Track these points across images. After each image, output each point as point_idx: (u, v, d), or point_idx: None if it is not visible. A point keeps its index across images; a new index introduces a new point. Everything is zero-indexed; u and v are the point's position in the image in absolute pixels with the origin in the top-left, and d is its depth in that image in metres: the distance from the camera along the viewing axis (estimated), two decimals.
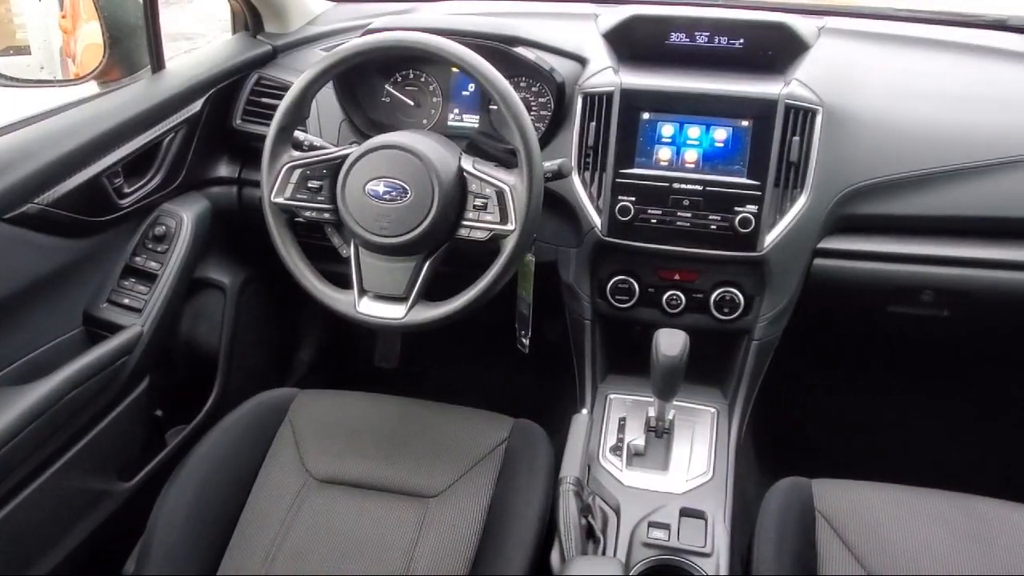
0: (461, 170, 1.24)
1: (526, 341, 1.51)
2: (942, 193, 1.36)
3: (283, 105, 1.26)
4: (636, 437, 1.37)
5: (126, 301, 1.45)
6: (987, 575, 1.14)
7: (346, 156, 1.25)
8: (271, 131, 1.27)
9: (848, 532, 1.20)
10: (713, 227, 1.36)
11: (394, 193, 1.21)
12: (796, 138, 1.33)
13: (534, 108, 1.50)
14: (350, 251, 1.28)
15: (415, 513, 1.26)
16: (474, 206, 1.23)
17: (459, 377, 2.08)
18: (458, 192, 1.23)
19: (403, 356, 2.18)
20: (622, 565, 1.01)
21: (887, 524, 1.20)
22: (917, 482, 1.28)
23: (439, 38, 1.21)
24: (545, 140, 1.46)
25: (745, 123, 1.35)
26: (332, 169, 1.26)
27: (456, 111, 1.55)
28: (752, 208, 1.34)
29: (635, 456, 1.35)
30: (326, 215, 1.28)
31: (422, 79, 1.56)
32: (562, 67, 1.46)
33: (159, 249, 1.50)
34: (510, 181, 1.22)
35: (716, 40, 1.49)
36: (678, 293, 1.44)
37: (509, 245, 1.21)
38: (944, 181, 1.35)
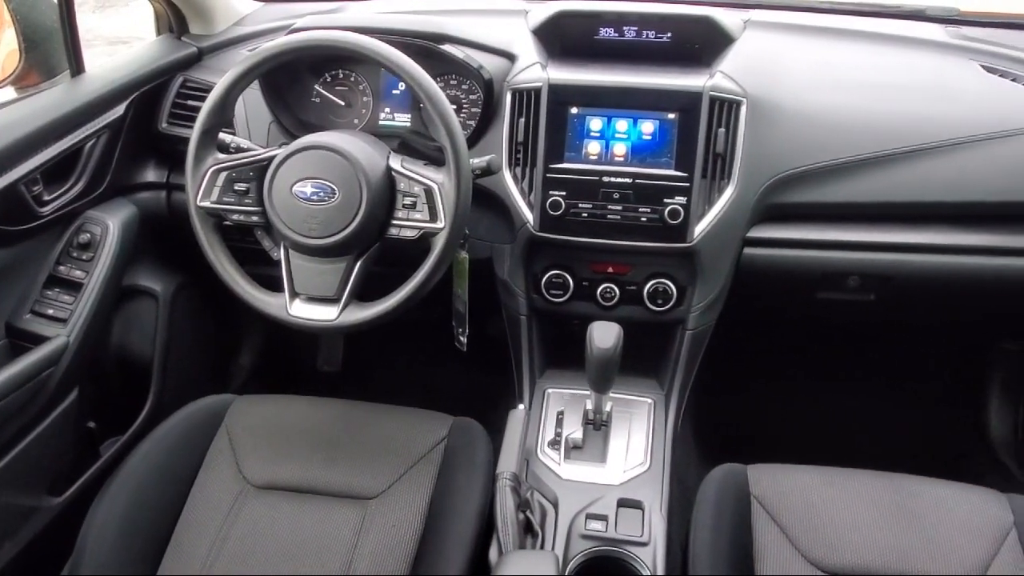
0: (389, 169, 1.24)
1: (464, 339, 1.51)
2: (864, 180, 1.39)
3: (205, 107, 1.24)
4: (574, 430, 1.37)
5: (50, 311, 1.41)
6: (914, 549, 1.17)
7: (272, 157, 1.24)
8: (194, 134, 1.25)
9: (782, 515, 1.22)
10: (643, 219, 1.37)
11: (322, 194, 1.20)
12: (722, 129, 1.35)
13: (465, 105, 1.50)
14: (280, 254, 1.27)
15: (355, 515, 1.25)
16: (403, 205, 1.23)
17: (403, 377, 2.08)
18: (387, 191, 1.23)
19: (346, 358, 2.17)
20: (556, 558, 1.01)
21: (819, 505, 1.23)
22: (850, 463, 1.31)
23: (361, 37, 1.20)
24: (476, 137, 1.47)
25: (672, 116, 1.36)
26: (258, 171, 1.25)
27: (387, 110, 1.54)
28: (681, 199, 1.35)
29: (573, 449, 1.36)
30: (254, 218, 1.26)
31: (352, 78, 1.55)
32: (491, 64, 1.46)
33: (84, 257, 1.47)
34: (438, 179, 1.22)
35: (644, 34, 1.50)
36: (612, 286, 1.45)
37: (439, 243, 1.21)
38: (866, 169, 1.39)
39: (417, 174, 1.23)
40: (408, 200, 1.23)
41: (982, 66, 1.49)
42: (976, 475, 1.75)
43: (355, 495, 1.28)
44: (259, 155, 1.25)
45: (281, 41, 1.21)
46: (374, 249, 1.26)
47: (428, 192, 1.22)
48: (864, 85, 1.46)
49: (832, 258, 1.45)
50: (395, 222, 1.24)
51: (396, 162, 1.25)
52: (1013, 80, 1.46)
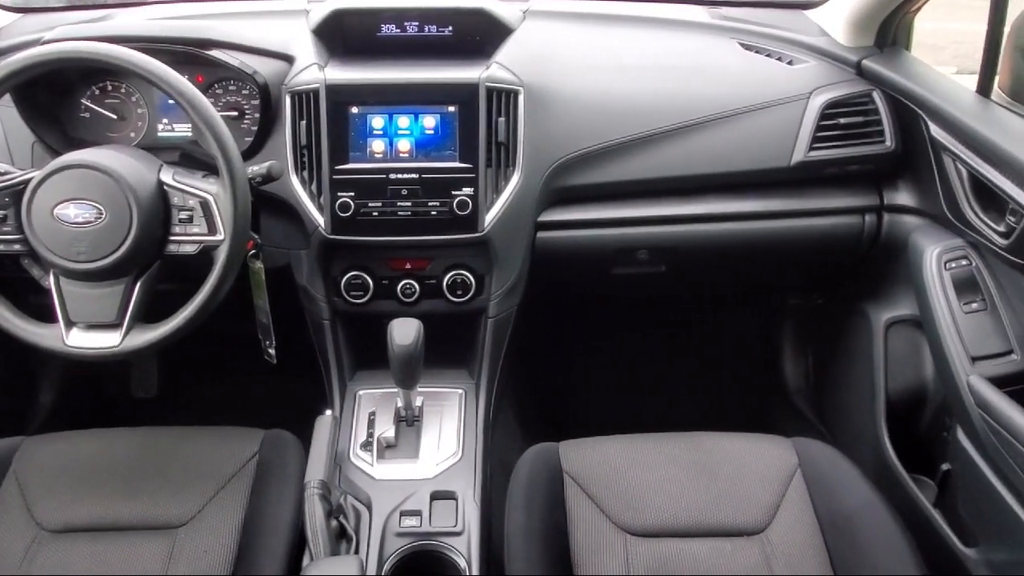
0: (161, 183, 1.19)
1: (272, 351, 1.48)
2: (640, 158, 1.46)
3: None
4: (386, 429, 1.37)
5: None
6: (712, 501, 1.25)
7: (28, 180, 1.16)
8: None
9: (592, 485, 1.27)
10: (433, 213, 1.38)
11: (87, 215, 1.15)
12: (502, 119, 1.38)
13: (247, 111, 1.46)
14: (50, 281, 1.19)
15: (162, 546, 1.20)
16: (179, 219, 1.20)
17: (224, 394, 2.01)
18: (160, 207, 1.19)
19: (162, 381, 2.06)
20: (360, 561, 1.01)
21: (625, 472, 1.29)
22: (666, 427, 1.38)
23: (107, 46, 1.14)
24: (260, 143, 1.43)
25: (452, 108, 1.38)
26: (14, 196, 1.17)
27: (165, 121, 1.48)
28: (468, 190, 1.37)
29: (387, 448, 1.35)
30: (16, 246, 1.19)
31: (122, 90, 1.47)
32: (266, 67, 1.43)
33: None
34: (213, 190, 1.18)
35: (426, 29, 1.51)
36: (411, 282, 1.45)
37: (221, 255, 1.18)
38: (640, 147, 1.45)
39: (190, 187, 1.19)
40: (184, 214, 1.19)
41: (740, 44, 1.60)
42: (776, 424, 1.90)
43: (162, 525, 1.23)
44: (12, 179, 1.17)
45: (18, 57, 1.13)
46: (155, 268, 1.21)
47: (204, 204, 1.18)
48: (636, 68, 1.53)
49: (621, 234, 1.51)
50: (173, 238, 1.20)
51: (168, 175, 1.20)
52: (767, 56, 1.57)
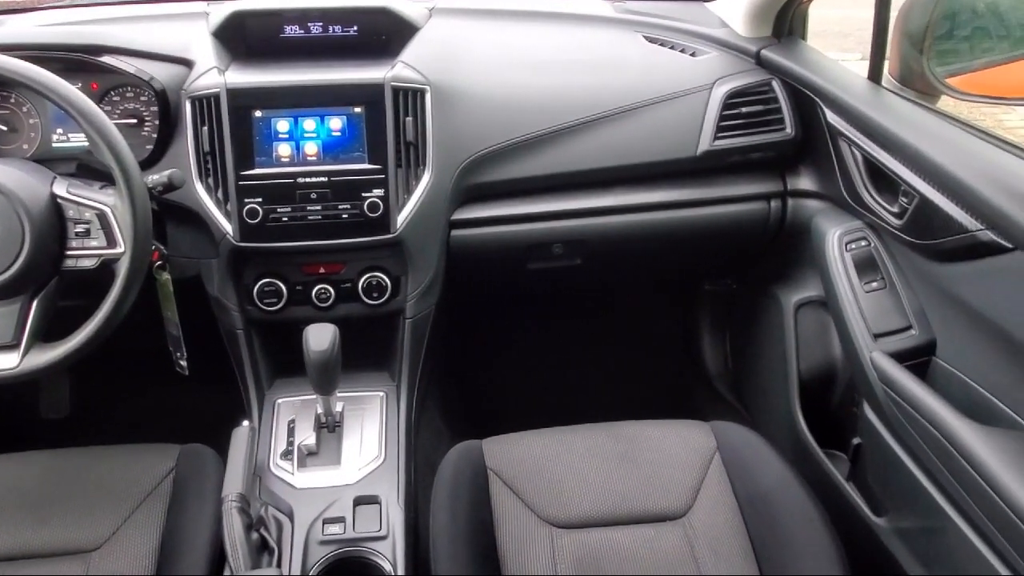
0: (54, 196, 1.15)
1: (184, 363, 1.44)
2: (549, 153, 1.47)
3: None
4: (307, 437, 1.35)
5: None
6: (633, 489, 1.26)
7: None
8: None
9: (516, 481, 1.27)
10: (344, 216, 1.36)
11: None
12: (409, 118, 1.37)
13: (147, 118, 1.41)
14: None
15: (75, 572, 1.16)
16: (76, 233, 1.16)
17: (140, 410, 1.95)
18: (54, 221, 1.15)
19: (75, 400, 1.99)
20: (279, 573, 0.99)
21: (548, 465, 1.30)
22: (592, 419, 1.39)
23: None
24: (161, 150, 1.39)
25: (358, 109, 1.36)
26: None
27: (60, 131, 1.42)
28: (379, 192, 1.36)
29: (309, 456, 1.34)
30: None
31: (12, 100, 1.41)
32: (164, 73, 1.39)
33: None
34: (110, 202, 1.15)
35: (330, 29, 1.49)
36: (326, 286, 1.43)
37: (122, 269, 1.15)
38: (548, 142, 1.46)
39: (86, 199, 1.15)
40: (80, 228, 1.15)
41: (645, 37, 1.62)
42: (698, 409, 1.94)
43: (74, 550, 1.19)
44: None
45: None
46: (52, 284, 1.17)
47: (101, 216, 1.15)
48: (543, 63, 1.54)
49: (534, 229, 1.52)
50: (70, 253, 1.16)
51: (61, 188, 1.16)
52: (671, 48, 1.60)
